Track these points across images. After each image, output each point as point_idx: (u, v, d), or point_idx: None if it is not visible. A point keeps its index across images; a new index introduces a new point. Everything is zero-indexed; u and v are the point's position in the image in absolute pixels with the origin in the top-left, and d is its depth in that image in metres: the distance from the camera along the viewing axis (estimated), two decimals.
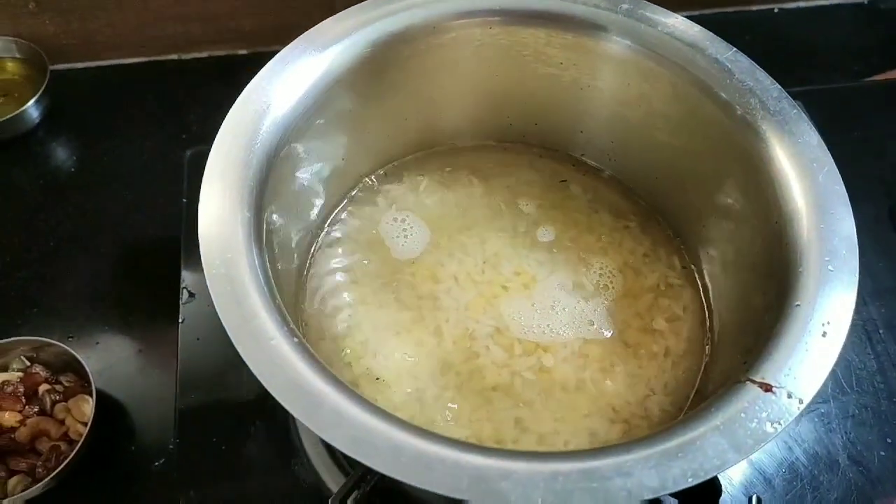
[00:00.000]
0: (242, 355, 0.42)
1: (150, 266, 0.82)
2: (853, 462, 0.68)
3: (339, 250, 0.68)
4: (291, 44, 0.56)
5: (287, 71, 0.55)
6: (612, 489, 0.40)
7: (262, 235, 0.49)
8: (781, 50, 1.05)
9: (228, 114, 0.52)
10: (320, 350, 0.61)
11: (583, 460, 0.41)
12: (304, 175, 0.61)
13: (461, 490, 0.39)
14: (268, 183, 0.51)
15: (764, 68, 0.60)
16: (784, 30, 1.08)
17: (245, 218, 0.48)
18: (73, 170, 0.91)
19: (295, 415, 0.41)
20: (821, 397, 0.70)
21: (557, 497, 0.39)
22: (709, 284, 0.66)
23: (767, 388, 0.44)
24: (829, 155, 0.54)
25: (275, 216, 0.54)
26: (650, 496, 0.40)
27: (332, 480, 0.63)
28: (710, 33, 0.60)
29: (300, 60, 0.56)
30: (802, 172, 0.53)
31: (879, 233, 0.82)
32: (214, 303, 0.44)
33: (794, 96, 0.86)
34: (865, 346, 0.74)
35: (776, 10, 1.10)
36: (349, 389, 0.43)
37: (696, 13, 1.06)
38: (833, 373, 0.70)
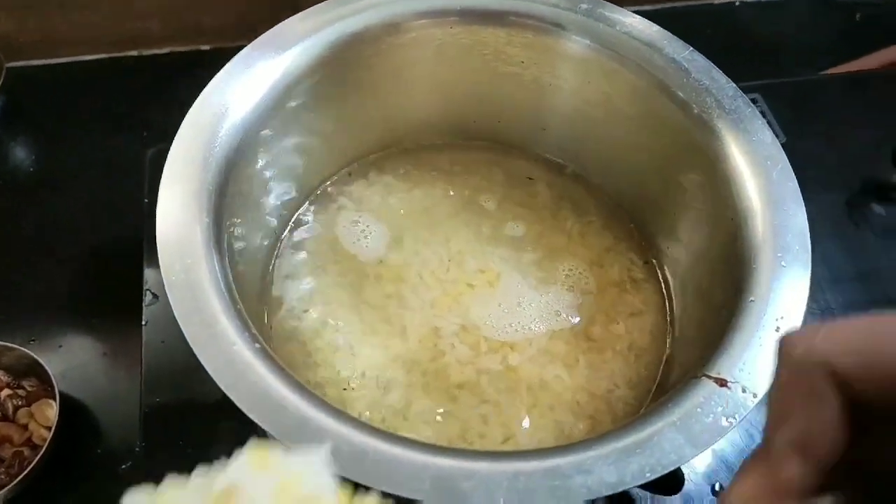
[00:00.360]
0: (203, 362, 0.42)
1: (113, 267, 0.81)
2: None
3: (303, 254, 0.68)
4: (250, 45, 0.56)
5: (246, 73, 0.55)
6: (573, 487, 0.40)
7: (222, 240, 0.49)
8: (743, 43, 1.06)
9: (186, 117, 0.51)
10: (286, 354, 0.61)
11: (544, 459, 0.41)
12: (264, 178, 0.60)
13: (423, 492, 0.39)
14: (228, 187, 0.51)
15: (725, 62, 0.61)
16: (745, 23, 1.10)
17: (204, 223, 0.47)
18: (31, 170, 0.90)
19: (257, 421, 0.41)
20: None
21: (520, 496, 0.40)
22: (670, 279, 0.67)
23: (722, 383, 0.45)
24: (783, 152, 0.55)
25: (236, 220, 0.53)
26: (609, 492, 0.40)
27: None
28: (668, 33, 0.61)
29: (259, 63, 0.55)
30: (757, 170, 0.54)
31: (837, 223, 0.84)
32: (174, 310, 0.44)
33: (754, 90, 0.89)
34: None
35: (737, 4, 1.12)
36: (311, 394, 0.43)
37: (660, 6, 1.08)
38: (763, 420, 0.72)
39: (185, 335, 0.43)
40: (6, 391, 0.70)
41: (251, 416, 0.41)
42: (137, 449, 0.67)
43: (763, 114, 0.88)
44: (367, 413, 0.59)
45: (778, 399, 0.26)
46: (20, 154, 0.91)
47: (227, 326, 0.44)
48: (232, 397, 0.41)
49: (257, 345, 0.44)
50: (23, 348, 0.70)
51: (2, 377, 0.71)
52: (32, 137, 0.92)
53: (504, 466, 0.41)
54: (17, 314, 0.78)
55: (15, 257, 0.82)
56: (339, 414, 0.42)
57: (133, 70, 1.00)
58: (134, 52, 1.01)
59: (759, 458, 0.26)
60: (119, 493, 0.67)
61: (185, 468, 0.63)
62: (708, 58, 0.62)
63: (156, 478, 0.63)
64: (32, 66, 0.98)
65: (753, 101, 0.87)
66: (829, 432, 0.25)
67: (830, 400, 0.25)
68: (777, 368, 0.27)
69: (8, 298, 0.79)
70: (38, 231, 0.84)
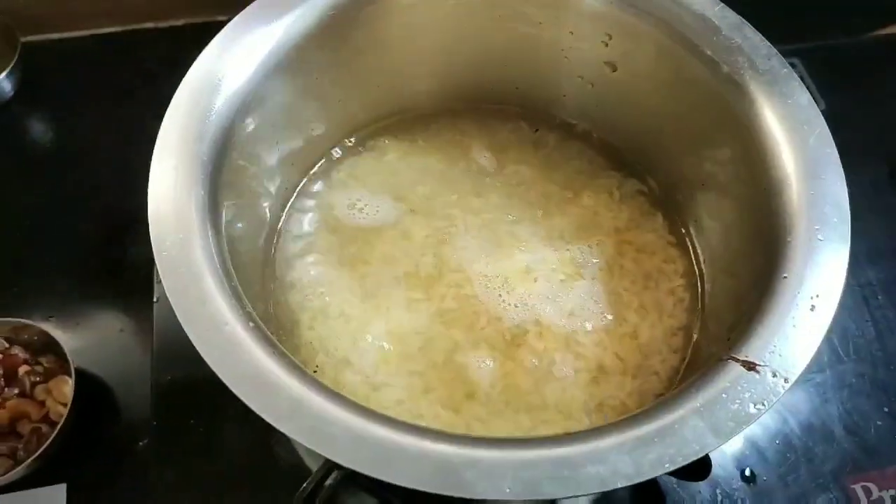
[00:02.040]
0: (194, 341, 0.40)
1: (129, 243, 0.80)
2: (849, 433, 0.66)
3: (306, 227, 0.66)
4: (246, 9, 0.54)
5: (241, 39, 0.52)
6: (585, 477, 0.38)
7: (218, 214, 0.47)
8: (780, 4, 1.00)
9: (180, 86, 0.49)
10: (290, 335, 0.59)
11: (554, 447, 0.39)
12: (263, 148, 0.58)
13: (424, 481, 0.37)
14: (224, 159, 0.49)
15: (761, 24, 0.57)
16: None
17: (198, 196, 0.46)
18: (48, 145, 0.89)
19: (249, 404, 0.39)
20: (816, 366, 0.68)
21: (526, 487, 0.37)
22: (700, 252, 0.64)
23: (751, 366, 0.41)
24: (821, 116, 0.51)
25: (233, 194, 0.51)
26: (625, 483, 0.38)
27: (312, 460, 0.62)
28: None
29: (255, 28, 0.53)
30: (792, 135, 0.50)
31: (879, 195, 0.80)
32: (164, 286, 0.42)
33: (792, 53, 0.84)
34: (863, 311, 0.72)
35: None
36: (308, 376, 0.41)
37: None
38: (829, 341, 0.69)
39: (176, 313, 0.41)
40: (24, 368, 0.70)
41: (244, 399, 0.39)
42: (152, 425, 0.67)
43: (802, 79, 0.83)
44: (372, 397, 0.57)
45: None
46: (36, 128, 0.90)
47: (221, 304, 0.42)
48: (223, 378, 0.40)
49: (251, 324, 0.42)
50: (40, 325, 0.70)
51: (20, 354, 0.71)
52: (48, 112, 0.91)
53: (510, 455, 0.38)
54: (35, 290, 0.78)
55: (31, 233, 0.82)
56: (338, 397, 0.40)
57: (149, 42, 0.98)
58: (150, 24, 0.99)
59: None
60: (137, 470, 0.68)
61: (198, 446, 0.64)
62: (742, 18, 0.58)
63: (169, 456, 0.63)
64: (47, 39, 0.97)
65: (792, 65, 0.83)
66: None
67: None
68: None
69: (26, 274, 0.79)
70: (54, 207, 0.84)
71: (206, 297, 0.42)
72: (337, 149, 0.70)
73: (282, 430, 0.38)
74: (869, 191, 0.79)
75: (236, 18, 0.53)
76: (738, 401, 0.40)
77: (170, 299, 0.41)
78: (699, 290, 0.63)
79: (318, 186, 0.69)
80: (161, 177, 0.46)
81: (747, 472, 0.63)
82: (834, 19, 1.00)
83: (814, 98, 0.79)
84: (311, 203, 0.67)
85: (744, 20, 0.56)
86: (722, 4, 0.56)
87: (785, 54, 0.56)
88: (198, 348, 0.40)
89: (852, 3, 1.02)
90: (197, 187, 0.46)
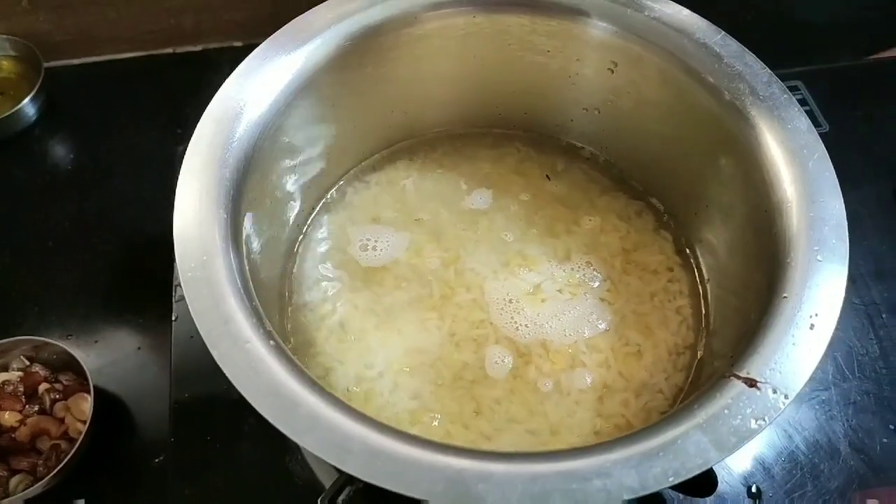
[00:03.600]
0: (217, 360, 0.42)
1: (148, 263, 0.82)
2: (854, 450, 0.66)
3: (322, 248, 0.67)
4: (267, 40, 0.56)
5: (262, 69, 0.54)
6: (592, 490, 0.39)
7: (239, 236, 0.48)
8: (783, 27, 1.02)
9: (204, 114, 0.51)
10: (307, 354, 0.61)
11: (562, 461, 0.40)
12: (282, 173, 0.60)
13: (437, 494, 0.38)
14: (245, 183, 0.51)
15: (764, 48, 0.58)
16: (786, 6, 1.06)
17: (221, 218, 0.47)
18: (69, 167, 0.91)
19: (269, 419, 0.40)
20: (821, 384, 0.69)
21: (535, 500, 0.39)
22: (705, 272, 0.65)
23: (752, 383, 0.43)
24: (820, 140, 0.52)
25: (253, 215, 0.53)
26: (630, 496, 0.39)
27: (326, 476, 0.63)
28: (699, 17, 0.59)
29: (276, 58, 0.55)
30: (792, 159, 0.52)
31: (882, 214, 0.80)
32: (189, 305, 0.44)
33: (795, 76, 0.85)
34: (867, 330, 0.73)
35: None
36: (325, 391, 0.42)
37: None
38: (833, 359, 0.70)
39: (200, 331, 0.43)
40: (44, 385, 0.71)
41: (264, 414, 0.41)
42: (170, 442, 0.68)
43: (804, 101, 0.85)
44: (383, 411, 0.58)
45: None
46: (59, 152, 0.93)
47: (243, 323, 0.44)
48: (244, 394, 0.41)
49: (272, 342, 0.43)
50: (60, 343, 0.71)
51: (40, 372, 0.72)
52: (70, 135, 0.94)
53: (520, 468, 0.40)
54: (56, 309, 0.80)
55: (52, 253, 0.84)
56: (354, 413, 0.42)
57: (168, 67, 1.01)
58: (169, 50, 1.02)
59: None
60: (154, 487, 0.69)
61: (214, 463, 0.65)
62: (746, 44, 0.59)
63: (186, 473, 0.64)
64: (70, 65, 1.00)
65: (794, 88, 0.85)
66: None
67: None
68: None
69: (46, 293, 0.81)
70: (75, 227, 0.86)
71: (229, 317, 0.43)
72: (351, 172, 0.72)
73: (301, 444, 0.39)
74: (873, 211, 0.80)
75: (257, 50, 0.55)
76: (739, 416, 0.42)
77: (194, 319, 0.43)
78: (703, 309, 0.64)
79: (333, 209, 0.70)
80: (186, 200, 0.48)
81: (754, 489, 0.64)
82: (835, 43, 1.02)
83: (817, 120, 0.81)
84: (326, 225, 0.69)
85: (745, 48, 0.58)
86: (724, 33, 0.58)
87: (787, 77, 0.58)
88: (221, 366, 0.42)
89: (853, 26, 1.03)
90: (220, 210, 0.48)
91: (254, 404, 0.41)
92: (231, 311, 0.44)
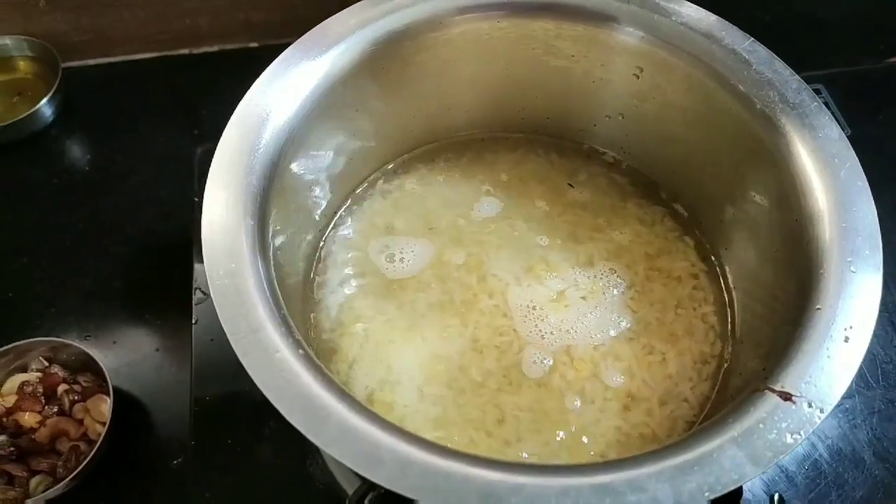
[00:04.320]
0: (247, 368, 0.42)
1: (165, 264, 0.82)
2: (879, 459, 0.66)
3: (344, 254, 0.67)
4: (293, 45, 0.55)
5: (288, 75, 0.54)
6: None
7: (266, 243, 0.48)
8: (804, 30, 1.01)
9: (230, 121, 0.51)
10: (330, 360, 0.61)
11: (595, 474, 0.40)
12: (308, 179, 0.60)
13: None
14: (271, 189, 0.50)
15: (783, 50, 0.58)
16: (807, 8, 1.05)
17: (248, 225, 0.47)
18: (86, 168, 0.92)
19: (301, 430, 0.40)
20: (845, 392, 0.68)
21: None
22: (731, 282, 0.65)
23: (787, 396, 0.42)
24: (851, 149, 0.52)
25: (279, 221, 0.53)
26: None
27: (347, 481, 0.63)
28: (726, 22, 0.58)
29: (300, 64, 0.55)
30: (824, 168, 0.51)
31: None
32: (219, 314, 0.43)
33: (816, 80, 0.84)
34: (891, 337, 0.72)
35: None
36: (356, 402, 0.42)
37: None
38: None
39: (230, 341, 0.43)
40: (63, 386, 0.72)
41: (295, 424, 0.40)
42: (190, 444, 0.68)
43: (826, 105, 0.84)
44: (406, 418, 0.58)
45: None
46: (75, 152, 0.93)
47: (272, 332, 0.43)
48: (276, 405, 0.41)
49: (301, 351, 0.43)
50: (78, 344, 0.72)
51: (59, 373, 0.72)
52: (87, 136, 0.94)
53: (552, 482, 0.39)
54: (74, 310, 0.80)
55: (71, 253, 0.84)
56: (384, 423, 0.41)
57: (184, 68, 1.01)
58: (185, 51, 1.02)
59: None
60: (172, 488, 0.69)
61: (234, 465, 0.65)
62: (767, 46, 0.59)
63: (206, 475, 0.64)
64: (87, 65, 1.00)
65: (816, 91, 0.83)
66: None
67: None
68: None
69: (65, 294, 0.81)
70: (92, 228, 0.86)
71: (258, 326, 0.43)
72: (374, 176, 0.72)
73: (332, 454, 0.39)
74: (894, 214, 0.79)
75: (282, 55, 0.55)
76: (775, 430, 0.41)
77: (224, 327, 0.43)
78: (730, 317, 0.63)
79: (356, 214, 0.70)
80: (213, 208, 0.47)
81: (776, 498, 0.63)
82: (856, 45, 1.01)
83: (839, 123, 0.80)
84: (350, 230, 0.69)
85: (773, 54, 0.57)
86: (752, 39, 0.57)
87: (809, 80, 0.57)
88: (252, 375, 0.41)
89: (874, 28, 1.03)
90: (247, 218, 0.47)
91: (285, 414, 0.40)
92: (261, 319, 0.44)
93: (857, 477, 0.65)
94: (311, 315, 0.62)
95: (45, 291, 0.81)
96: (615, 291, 0.65)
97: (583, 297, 0.64)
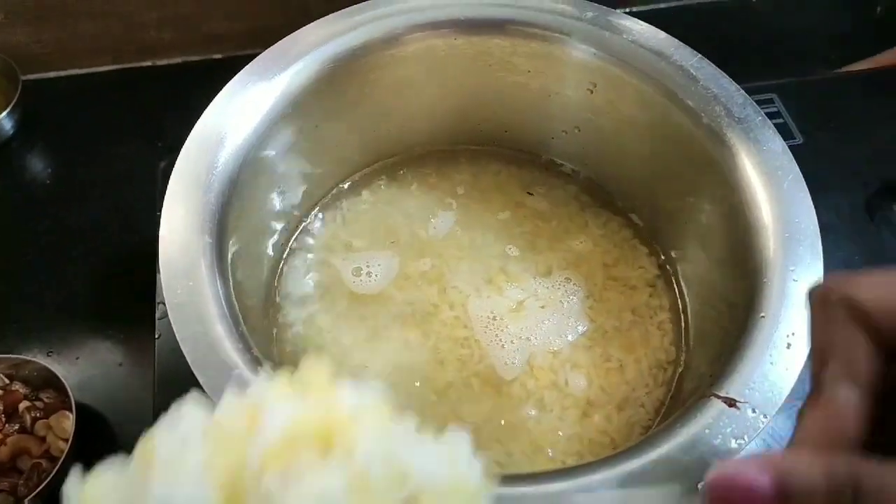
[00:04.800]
0: (203, 385, 0.42)
1: (129, 278, 0.82)
2: None
3: (305, 270, 0.68)
4: (251, 63, 0.56)
5: (245, 93, 0.55)
6: None
7: (224, 261, 0.49)
8: (758, 40, 1.04)
9: (188, 139, 0.51)
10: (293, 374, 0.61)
11: (545, 482, 0.41)
12: (266, 196, 0.60)
13: None
14: (230, 207, 0.51)
15: (739, 60, 0.60)
16: (760, 19, 1.08)
17: (206, 243, 0.47)
18: (48, 182, 0.90)
19: None
20: (798, 394, 0.70)
21: None
22: (685, 289, 0.66)
23: (731, 403, 0.44)
24: (794, 161, 0.54)
25: (238, 239, 0.53)
26: None
27: None
28: (676, 40, 0.60)
29: (258, 82, 0.55)
30: (768, 180, 0.53)
31: (856, 225, 0.81)
32: (176, 333, 0.44)
33: (770, 89, 0.87)
34: None
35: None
36: None
37: (674, 4, 1.06)
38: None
39: (187, 358, 0.43)
40: (24, 403, 0.71)
41: None
42: None
43: (778, 114, 0.86)
44: None
45: (819, 342, 0.29)
46: (37, 166, 0.92)
47: (229, 350, 0.44)
48: None
49: (258, 368, 0.44)
50: (40, 361, 0.71)
51: (20, 389, 0.71)
52: (49, 149, 0.93)
53: (504, 491, 0.40)
54: (36, 326, 0.79)
55: (32, 269, 0.83)
56: None
57: (147, 80, 1.00)
58: (148, 63, 1.01)
59: (812, 399, 0.28)
60: None
61: None
62: (722, 56, 0.61)
63: None
64: (48, 78, 0.99)
65: (769, 101, 0.86)
66: (870, 361, 0.27)
67: (865, 338, 0.27)
68: (812, 315, 0.30)
69: (26, 310, 0.80)
70: (55, 243, 0.85)
71: (216, 344, 0.44)
72: (335, 191, 0.72)
73: None
74: (847, 220, 0.81)
75: (241, 73, 0.56)
76: (720, 436, 0.43)
77: (181, 345, 0.43)
78: (684, 324, 0.65)
79: (316, 229, 0.70)
80: (171, 226, 0.48)
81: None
82: (808, 55, 1.04)
83: (791, 132, 0.82)
84: (310, 245, 0.69)
85: (721, 71, 0.59)
86: (700, 56, 0.59)
87: (762, 90, 0.59)
88: (208, 393, 0.42)
89: (826, 38, 1.06)
90: (205, 235, 0.48)
91: None
92: (218, 337, 0.44)
93: None
94: (274, 330, 0.63)
95: (7, 307, 0.80)
96: (573, 299, 0.66)
97: (542, 307, 0.65)
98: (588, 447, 0.58)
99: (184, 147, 0.51)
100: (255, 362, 0.44)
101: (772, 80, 0.91)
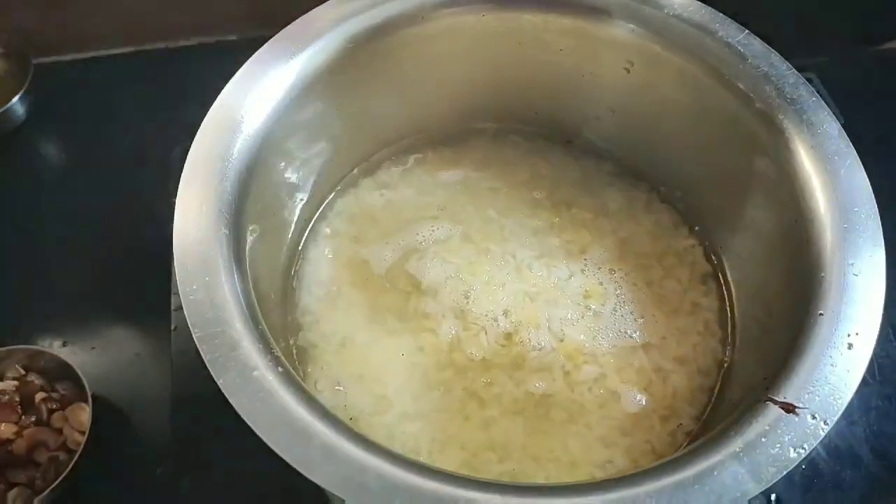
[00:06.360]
0: (222, 388, 0.40)
1: (144, 267, 0.80)
2: (877, 456, 0.65)
3: (323, 262, 0.65)
4: (267, 44, 0.53)
5: (261, 75, 0.52)
6: None
7: (242, 253, 0.46)
8: (791, 17, 0.99)
9: (201, 126, 0.49)
10: (306, 373, 0.59)
11: (592, 494, 0.38)
12: (283, 183, 0.58)
13: None
14: (247, 196, 0.48)
15: (775, 40, 0.56)
16: None
17: (223, 235, 0.45)
18: (62, 168, 0.89)
19: (279, 452, 0.38)
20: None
21: None
22: (732, 284, 0.63)
23: (790, 408, 0.41)
24: (851, 146, 0.51)
25: (255, 228, 0.51)
26: None
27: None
28: (720, 14, 0.57)
29: (274, 64, 0.53)
30: (823, 166, 0.50)
31: None
32: (192, 332, 0.41)
33: (808, 68, 0.83)
34: (888, 333, 0.71)
35: None
36: (338, 421, 0.40)
37: None
38: None
39: (204, 359, 0.41)
40: (41, 395, 0.70)
41: (273, 447, 0.39)
42: (173, 453, 0.66)
43: (819, 94, 0.83)
44: (397, 438, 0.56)
45: None
46: (50, 152, 0.90)
47: (249, 349, 0.41)
48: (254, 427, 0.39)
49: (280, 369, 0.41)
50: (56, 351, 0.70)
51: (36, 381, 0.70)
52: (62, 134, 0.91)
53: (546, 503, 0.37)
54: (51, 316, 0.78)
55: (46, 258, 0.81)
56: (369, 444, 0.40)
57: (162, 62, 0.98)
58: (161, 45, 0.99)
59: None
60: (155, 497, 0.67)
61: (216, 475, 0.63)
62: (754, 33, 0.57)
63: (189, 484, 0.63)
64: (60, 61, 0.97)
65: (808, 80, 0.82)
66: None
67: None
68: None
69: (42, 300, 0.79)
70: (69, 231, 0.83)
71: (235, 343, 0.41)
72: (352, 176, 0.70)
73: (315, 480, 0.37)
74: (889, 205, 0.78)
75: (256, 54, 0.53)
76: (778, 444, 0.40)
77: (197, 344, 0.41)
78: (730, 324, 0.62)
79: (335, 217, 0.68)
80: (186, 217, 0.45)
81: (773, 498, 0.62)
82: (847, 33, 1.00)
83: (832, 112, 0.79)
84: (326, 236, 0.67)
85: (769, 47, 0.55)
86: (747, 31, 0.56)
87: (801, 69, 0.55)
88: (228, 396, 0.40)
89: (863, 16, 1.01)
90: (221, 227, 0.45)
91: (264, 437, 0.39)
92: (237, 336, 0.42)
93: (855, 475, 0.64)
94: (288, 325, 0.60)
95: (21, 298, 0.79)
96: (615, 294, 0.63)
97: (578, 303, 0.62)
98: (628, 456, 0.56)
99: (198, 132, 0.49)
100: (277, 363, 0.42)
101: (810, 59, 0.87)
